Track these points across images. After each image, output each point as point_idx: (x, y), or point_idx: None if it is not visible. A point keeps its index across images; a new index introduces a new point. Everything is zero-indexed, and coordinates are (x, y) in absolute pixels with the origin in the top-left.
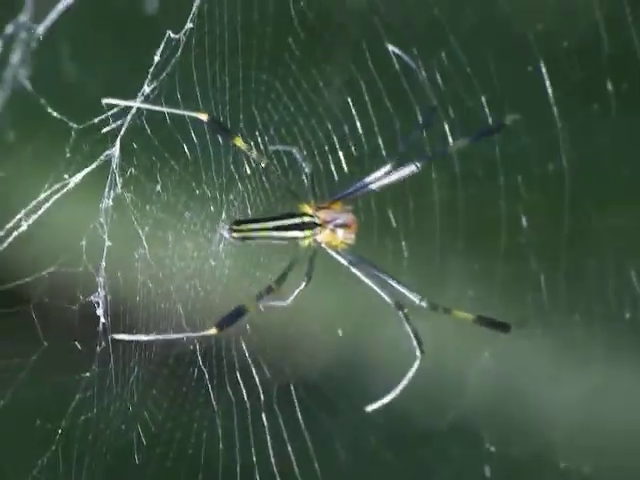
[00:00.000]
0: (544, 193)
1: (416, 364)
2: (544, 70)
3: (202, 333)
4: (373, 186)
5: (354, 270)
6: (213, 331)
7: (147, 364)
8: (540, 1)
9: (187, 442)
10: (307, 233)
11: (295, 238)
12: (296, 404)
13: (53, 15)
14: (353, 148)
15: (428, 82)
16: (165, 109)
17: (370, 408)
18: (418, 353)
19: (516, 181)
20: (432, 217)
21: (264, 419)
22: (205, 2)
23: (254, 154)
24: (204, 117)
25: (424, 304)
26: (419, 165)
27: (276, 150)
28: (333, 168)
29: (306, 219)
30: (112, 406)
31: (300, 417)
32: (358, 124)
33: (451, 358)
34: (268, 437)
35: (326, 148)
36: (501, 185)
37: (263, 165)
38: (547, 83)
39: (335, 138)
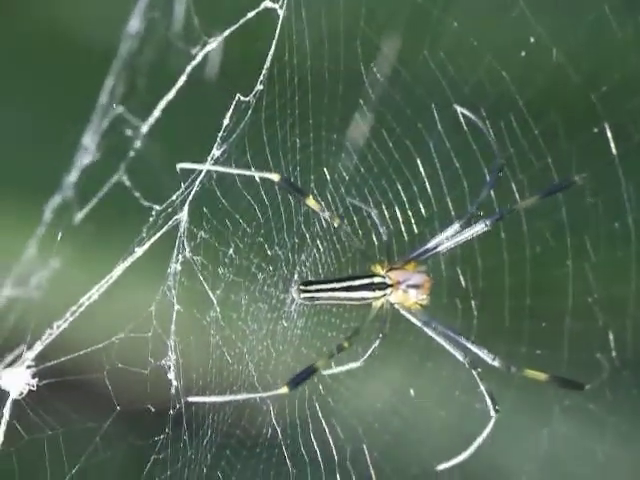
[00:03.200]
0: (611, 252)
1: (491, 423)
2: (608, 130)
3: (273, 392)
4: (444, 246)
5: (427, 330)
6: (284, 390)
7: (220, 426)
8: (604, 64)
9: None
10: (378, 294)
11: (365, 299)
12: (369, 463)
13: (156, 113)
14: (423, 210)
15: (495, 140)
16: (236, 170)
17: (441, 467)
18: (492, 413)
19: (583, 240)
20: (500, 276)
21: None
22: (275, 65)
23: (327, 214)
24: (276, 177)
25: (497, 364)
26: (489, 223)
27: (347, 209)
28: (403, 228)
29: (376, 280)
30: (186, 468)
31: (374, 477)
32: (427, 184)
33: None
34: None
35: (396, 208)
36: (568, 244)
37: (336, 225)
38: (612, 144)
39: (405, 198)
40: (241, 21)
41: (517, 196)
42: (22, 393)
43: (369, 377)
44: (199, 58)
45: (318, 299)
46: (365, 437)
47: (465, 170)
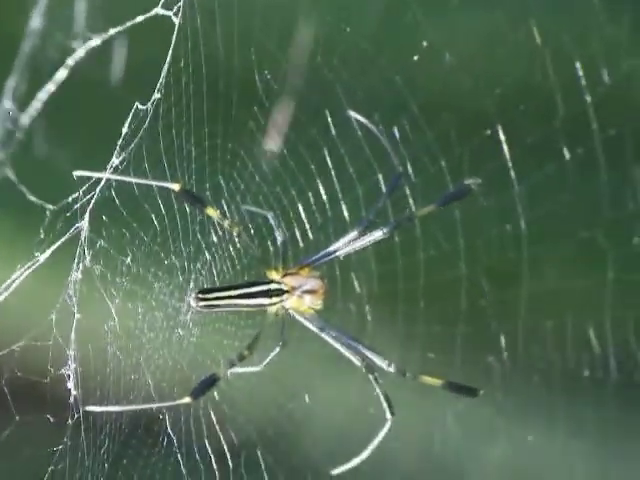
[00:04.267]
0: (503, 254)
1: (386, 427)
2: (501, 133)
3: (177, 402)
4: (339, 252)
5: (323, 335)
6: (187, 400)
7: (117, 435)
8: (496, 67)
9: None
10: (274, 300)
11: (262, 305)
12: (263, 469)
13: (37, 104)
14: (317, 215)
15: (392, 149)
16: (136, 180)
17: (336, 472)
18: (388, 415)
19: (475, 243)
20: (394, 280)
21: None
22: (171, 73)
23: (227, 223)
24: (176, 187)
25: (392, 369)
26: (386, 231)
27: (243, 217)
28: (298, 235)
29: (273, 286)
30: (83, 479)
31: None
32: (322, 191)
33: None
34: None
35: (291, 215)
36: (461, 247)
37: (235, 234)
38: (504, 146)
39: (299, 204)
40: (127, 24)
41: (411, 201)
42: None
43: (264, 383)
44: (81, 52)
45: (216, 307)
46: (259, 443)
47: (359, 175)
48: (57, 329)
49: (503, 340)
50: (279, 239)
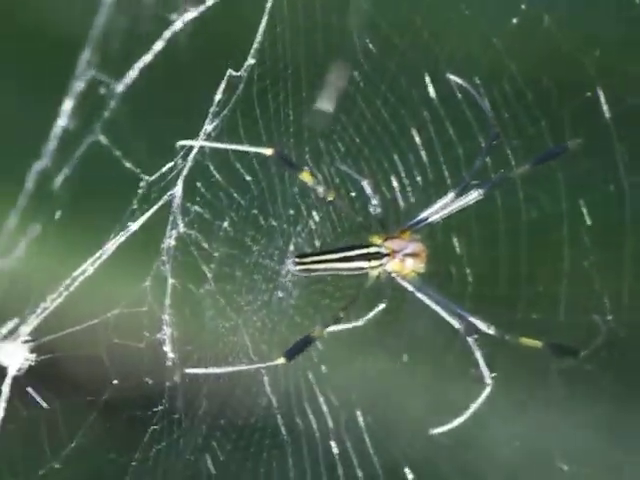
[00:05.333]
0: (606, 215)
1: (486, 391)
2: (601, 94)
3: (271, 363)
4: (439, 214)
5: (422, 298)
6: (282, 360)
7: (215, 397)
8: (598, 30)
9: (257, 472)
10: (374, 263)
11: (361, 269)
12: (363, 430)
13: (133, 73)
14: (418, 178)
15: (489, 108)
16: (230, 146)
17: (434, 431)
18: (488, 380)
19: (578, 204)
20: (495, 243)
21: (333, 445)
22: (266, 38)
23: (321, 189)
24: (269, 152)
25: (492, 331)
26: (482, 192)
27: (343, 180)
28: (400, 197)
29: (372, 249)
30: (182, 439)
31: (368, 442)
32: (422, 153)
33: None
34: (338, 463)
35: (392, 177)
36: (564, 209)
37: (330, 199)
38: (604, 107)
39: (401, 167)
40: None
41: (513, 162)
42: (20, 369)
43: (364, 345)
44: (179, 24)
45: (314, 270)
46: (358, 403)
47: (459, 137)
48: (151, 296)
49: (607, 300)
50: (376, 203)
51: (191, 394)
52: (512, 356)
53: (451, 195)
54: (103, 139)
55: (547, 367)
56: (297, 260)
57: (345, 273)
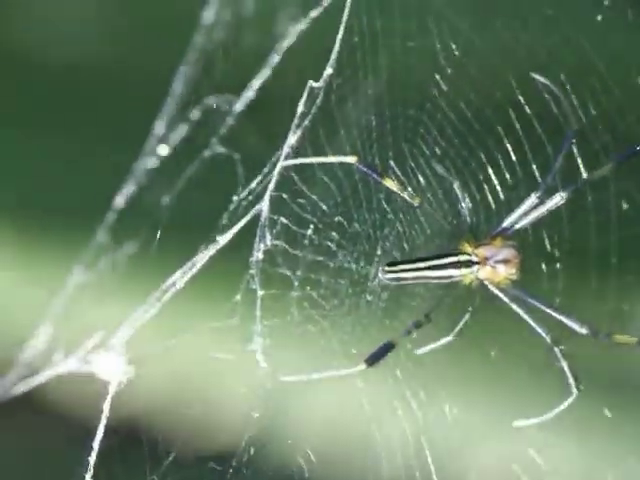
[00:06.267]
0: None
1: (570, 398)
2: None
3: (352, 370)
4: (526, 220)
5: (513, 306)
6: (362, 367)
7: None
8: None
9: None
10: (465, 272)
11: (452, 277)
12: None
13: (250, 93)
14: (508, 176)
15: (569, 106)
16: (314, 160)
17: (518, 424)
18: (574, 390)
19: None
20: (586, 237)
21: None
22: (345, 48)
23: (407, 194)
24: (353, 160)
25: (584, 331)
26: (564, 196)
27: (429, 184)
28: (490, 197)
29: (463, 258)
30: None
31: None
32: (511, 152)
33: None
34: None
35: (481, 178)
36: None
37: (416, 204)
38: None
39: (490, 167)
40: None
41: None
42: (122, 383)
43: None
44: (293, 37)
45: (404, 279)
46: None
47: (548, 135)
48: (241, 308)
49: None
50: (466, 208)
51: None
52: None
53: (533, 198)
54: (220, 147)
55: None
56: (387, 269)
57: (435, 281)
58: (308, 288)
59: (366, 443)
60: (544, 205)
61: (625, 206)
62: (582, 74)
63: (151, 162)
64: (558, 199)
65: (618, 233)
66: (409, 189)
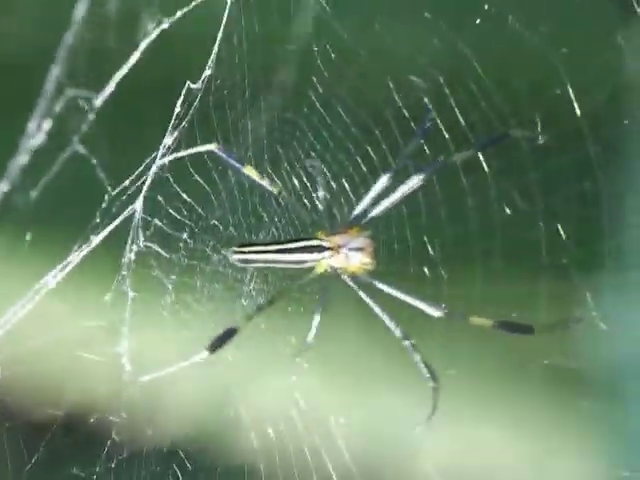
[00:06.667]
0: (583, 212)
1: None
2: (571, 91)
3: (196, 357)
4: (383, 206)
5: (364, 297)
6: (205, 354)
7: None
8: (562, 26)
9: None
10: (316, 256)
11: (303, 261)
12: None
13: (111, 87)
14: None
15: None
16: (178, 154)
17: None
18: (432, 384)
19: (553, 202)
20: (469, 242)
21: None
22: (222, 48)
23: (266, 182)
24: (212, 147)
25: (439, 313)
26: (422, 178)
27: (296, 180)
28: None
29: (314, 242)
30: (145, 448)
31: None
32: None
33: None
34: None
35: (356, 180)
36: (539, 205)
37: (275, 192)
38: (575, 104)
39: (366, 170)
40: (193, 3)
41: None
42: None
43: None
44: (154, 35)
45: (253, 261)
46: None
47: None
48: (111, 309)
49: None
50: (322, 199)
51: (152, 406)
52: None
53: (385, 177)
54: (81, 148)
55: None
56: (236, 249)
57: (286, 266)
58: (182, 292)
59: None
60: (401, 188)
61: (508, 210)
62: (462, 77)
63: (22, 159)
64: (416, 181)
65: (502, 238)
66: (268, 178)
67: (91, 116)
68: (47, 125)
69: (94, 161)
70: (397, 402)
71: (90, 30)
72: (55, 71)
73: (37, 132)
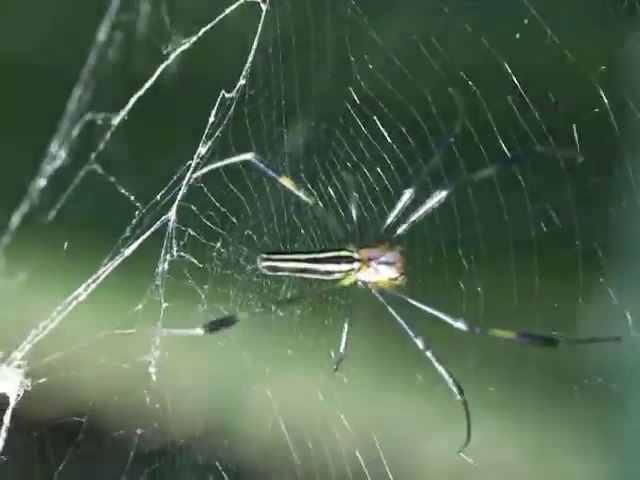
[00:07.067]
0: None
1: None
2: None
3: (188, 332)
4: (408, 221)
5: (391, 311)
6: (200, 331)
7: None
8: (600, 44)
9: None
10: (344, 267)
11: (331, 272)
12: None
13: (129, 106)
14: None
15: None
16: (214, 165)
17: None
18: (457, 396)
19: (588, 221)
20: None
21: None
22: (258, 58)
23: (302, 193)
24: (249, 156)
25: (461, 325)
26: (445, 195)
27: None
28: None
29: (343, 253)
30: (178, 459)
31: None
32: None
33: None
34: None
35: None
36: (575, 223)
37: (311, 203)
38: (614, 122)
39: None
40: (219, 17)
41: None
42: (19, 395)
43: None
44: (172, 57)
45: (281, 269)
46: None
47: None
48: (143, 318)
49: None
50: (355, 211)
51: (183, 415)
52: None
53: (408, 193)
54: (98, 168)
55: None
56: (264, 256)
57: (314, 276)
58: (216, 301)
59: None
60: (427, 203)
61: (544, 227)
62: (500, 91)
63: (42, 182)
64: (439, 197)
65: (537, 255)
66: (304, 189)
67: (110, 135)
68: (61, 148)
69: (113, 179)
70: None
71: (114, 50)
72: (77, 91)
73: (59, 154)
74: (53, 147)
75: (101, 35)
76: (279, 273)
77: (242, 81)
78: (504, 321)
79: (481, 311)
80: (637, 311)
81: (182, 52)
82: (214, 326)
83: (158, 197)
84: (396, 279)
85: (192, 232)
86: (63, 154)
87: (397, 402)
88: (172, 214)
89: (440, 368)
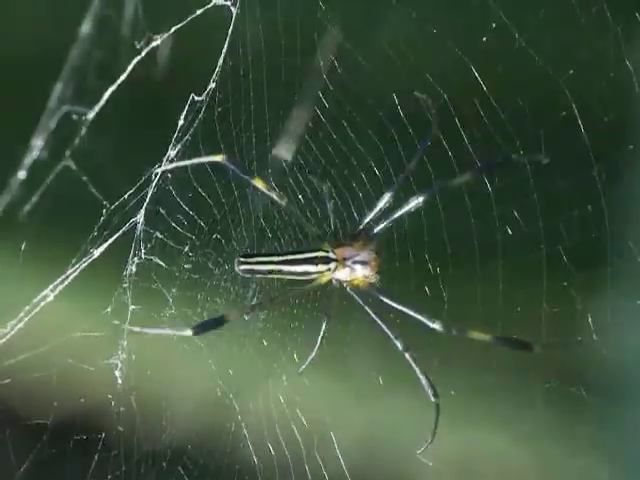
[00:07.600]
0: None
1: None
2: (577, 112)
3: (179, 332)
4: (386, 221)
5: (367, 309)
6: (189, 333)
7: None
8: (568, 47)
9: None
10: (321, 268)
11: (308, 273)
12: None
13: (102, 102)
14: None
15: (435, 115)
16: (183, 163)
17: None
18: (432, 399)
19: (555, 224)
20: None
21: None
22: (228, 61)
23: (274, 195)
24: (220, 158)
25: (437, 326)
26: (422, 200)
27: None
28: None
29: (320, 254)
30: (143, 463)
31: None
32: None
33: None
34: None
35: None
36: (541, 227)
37: (283, 204)
38: (581, 126)
39: (369, 185)
40: (189, 18)
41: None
42: None
43: None
44: (143, 54)
45: (258, 272)
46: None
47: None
48: (111, 321)
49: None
50: (329, 211)
51: (150, 418)
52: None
53: (387, 197)
54: (72, 164)
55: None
56: (241, 260)
57: (291, 277)
58: (183, 306)
59: None
60: (403, 207)
61: (510, 233)
62: (467, 95)
63: (21, 174)
64: (416, 202)
65: (502, 259)
66: (276, 190)
67: (85, 130)
68: (41, 142)
69: (84, 178)
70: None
71: (96, 47)
72: (58, 88)
73: (38, 148)
74: (34, 141)
75: (83, 30)
76: (257, 275)
77: (212, 84)
78: (469, 325)
79: (445, 315)
80: (598, 314)
81: (152, 56)
82: (203, 328)
83: (126, 196)
84: (370, 277)
85: (160, 235)
86: (40, 145)
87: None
88: (140, 217)
89: (417, 370)
